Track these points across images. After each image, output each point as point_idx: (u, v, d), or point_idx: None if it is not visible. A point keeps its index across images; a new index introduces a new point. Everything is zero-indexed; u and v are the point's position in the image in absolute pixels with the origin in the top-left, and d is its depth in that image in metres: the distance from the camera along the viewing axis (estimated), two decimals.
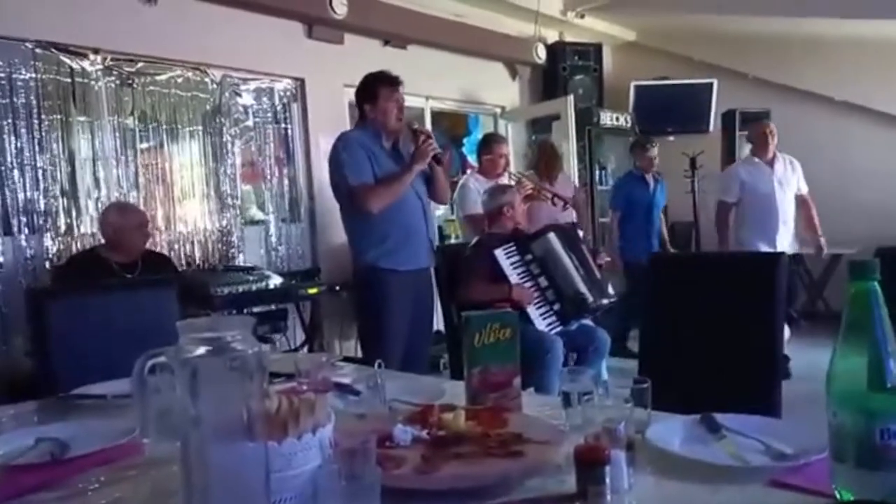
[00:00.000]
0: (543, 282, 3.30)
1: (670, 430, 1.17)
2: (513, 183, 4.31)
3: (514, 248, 3.33)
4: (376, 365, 1.52)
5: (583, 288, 3.30)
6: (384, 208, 2.89)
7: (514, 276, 3.27)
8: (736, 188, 4.61)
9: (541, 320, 3.24)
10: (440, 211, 5.72)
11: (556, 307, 3.28)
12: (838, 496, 0.86)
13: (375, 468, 0.88)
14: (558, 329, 3.24)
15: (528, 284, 3.28)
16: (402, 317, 2.96)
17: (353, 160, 2.89)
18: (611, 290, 3.49)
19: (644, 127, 6.40)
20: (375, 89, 3.01)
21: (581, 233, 3.91)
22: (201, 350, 0.79)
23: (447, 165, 3.79)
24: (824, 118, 6.06)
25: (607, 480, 0.90)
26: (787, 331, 2.15)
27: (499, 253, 3.28)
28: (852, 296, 0.85)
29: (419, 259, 3.06)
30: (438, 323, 3.45)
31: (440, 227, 5.24)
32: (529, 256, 3.33)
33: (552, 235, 3.39)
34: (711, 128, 6.24)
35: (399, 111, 3.02)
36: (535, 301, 3.27)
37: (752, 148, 4.71)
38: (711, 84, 6.36)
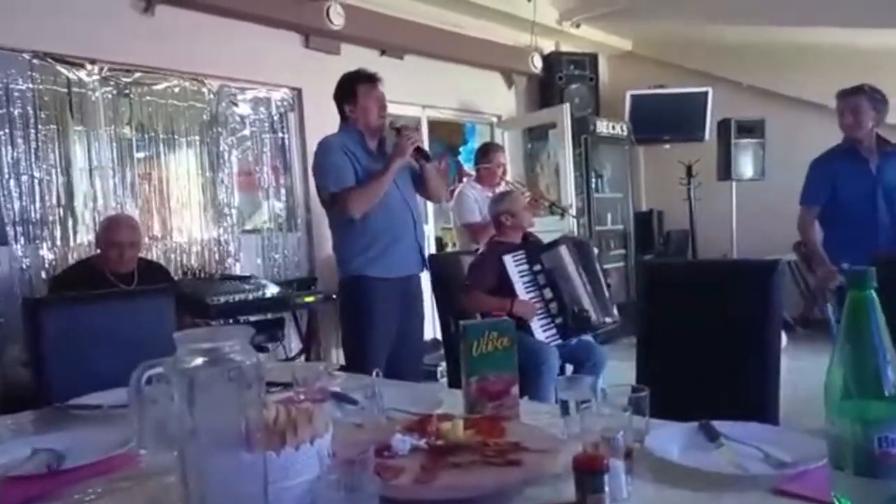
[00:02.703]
0: (548, 294, 3.29)
1: (669, 439, 1.17)
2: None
3: (523, 256, 3.33)
4: (374, 374, 1.52)
5: (587, 304, 3.28)
6: (367, 210, 2.79)
7: (519, 285, 3.27)
8: None
9: (541, 331, 3.24)
10: (428, 225, 5.72)
11: (557, 320, 3.27)
12: None
13: (374, 478, 0.87)
14: (557, 342, 3.24)
15: (532, 294, 3.28)
16: (389, 326, 2.88)
17: (332, 166, 2.82)
18: (615, 312, 3.45)
19: (640, 135, 6.43)
20: (354, 88, 2.92)
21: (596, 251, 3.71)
22: (199, 360, 0.79)
23: (445, 169, 3.71)
24: (819, 127, 6.05)
25: (606, 489, 0.90)
26: (783, 338, 2.15)
27: (507, 259, 3.29)
28: (850, 304, 0.85)
29: (408, 265, 2.98)
30: (436, 332, 3.44)
31: (438, 238, 5.19)
32: (538, 267, 3.32)
33: (563, 249, 3.36)
34: (707, 136, 6.26)
35: (381, 108, 2.93)
36: (538, 312, 3.26)
37: None
38: (707, 93, 6.39)
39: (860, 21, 5.40)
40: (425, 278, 3.35)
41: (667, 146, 6.57)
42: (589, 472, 0.91)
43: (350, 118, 2.94)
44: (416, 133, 2.99)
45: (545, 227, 4.43)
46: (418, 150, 2.92)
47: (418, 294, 3.09)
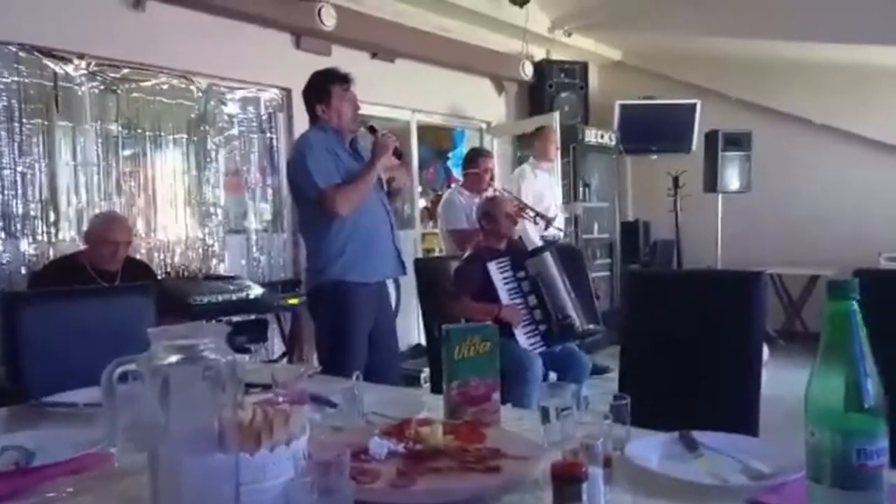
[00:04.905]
0: (532, 300, 3.27)
1: (648, 448, 1.17)
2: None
3: (507, 263, 3.32)
4: (354, 377, 1.51)
5: (571, 312, 3.26)
6: (352, 210, 2.74)
7: (503, 292, 3.25)
8: None
9: (525, 338, 3.22)
10: (415, 230, 5.69)
11: (541, 328, 3.26)
12: None
13: (349, 482, 0.86)
14: (541, 349, 3.23)
15: (516, 301, 3.27)
16: (366, 331, 2.84)
17: (319, 163, 2.74)
18: (600, 321, 3.42)
19: (628, 145, 6.46)
20: (328, 88, 2.85)
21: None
22: (173, 358, 0.78)
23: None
24: (804, 141, 6.15)
25: (584, 497, 0.90)
26: (765, 350, 2.16)
27: (492, 266, 3.27)
28: (831, 315, 0.85)
29: (386, 269, 2.94)
30: (420, 336, 3.42)
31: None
32: (522, 274, 3.30)
33: (548, 255, 3.35)
34: (694, 147, 6.31)
35: (354, 110, 2.87)
36: (522, 319, 3.25)
37: None
38: (695, 105, 6.44)
39: (848, 37, 5.46)
40: (410, 282, 3.34)
41: (654, 157, 6.61)
42: (567, 480, 0.90)
43: (322, 118, 2.86)
44: (392, 134, 2.95)
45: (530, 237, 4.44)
46: (394, 149, 2.90)
47: (388, 295, 3.06)
